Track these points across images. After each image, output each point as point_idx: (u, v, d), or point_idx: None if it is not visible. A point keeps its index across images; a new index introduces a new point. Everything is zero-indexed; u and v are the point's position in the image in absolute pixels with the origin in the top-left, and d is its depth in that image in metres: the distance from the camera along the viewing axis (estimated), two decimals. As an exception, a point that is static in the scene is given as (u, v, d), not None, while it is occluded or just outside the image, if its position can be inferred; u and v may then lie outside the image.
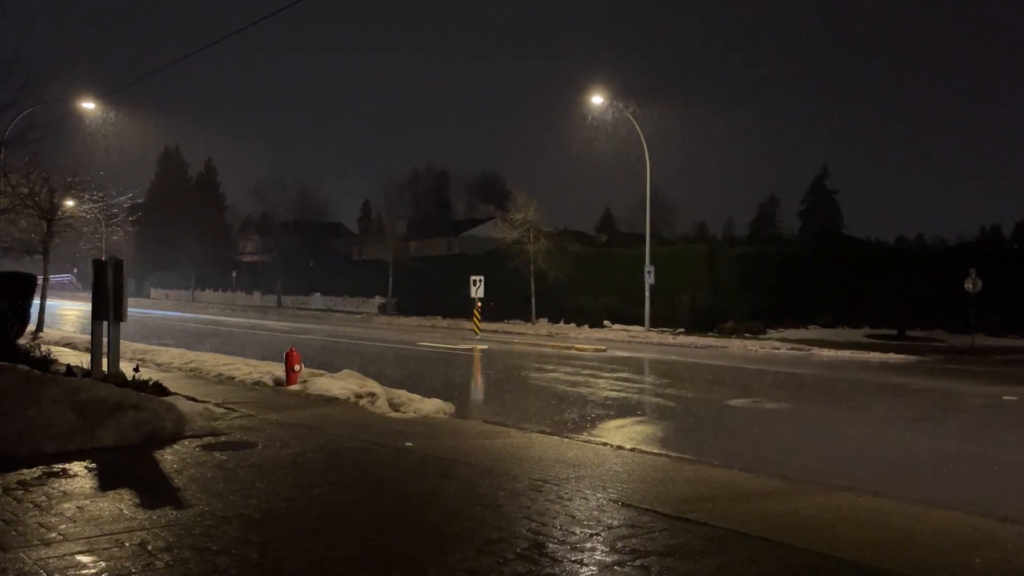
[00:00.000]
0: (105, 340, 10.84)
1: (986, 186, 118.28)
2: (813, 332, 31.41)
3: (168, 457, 7.68)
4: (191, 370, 15.55)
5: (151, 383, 10.75)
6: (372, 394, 11.63)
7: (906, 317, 31.08)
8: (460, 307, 37.86)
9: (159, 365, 16.17)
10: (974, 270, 26.79)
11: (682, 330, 32.63)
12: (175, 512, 5.75)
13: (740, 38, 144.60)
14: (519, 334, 33.74)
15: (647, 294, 32.48)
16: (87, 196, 26.01)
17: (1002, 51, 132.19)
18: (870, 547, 5.44)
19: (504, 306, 39.13)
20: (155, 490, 6.42)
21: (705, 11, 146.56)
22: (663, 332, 32.19)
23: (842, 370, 20.23)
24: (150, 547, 4.93)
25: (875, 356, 24.01)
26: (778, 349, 26.58)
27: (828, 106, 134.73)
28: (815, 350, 25.79)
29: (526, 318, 38.25)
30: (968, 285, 26.72)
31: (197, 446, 8.22)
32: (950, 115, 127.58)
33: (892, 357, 23.73)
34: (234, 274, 66.23)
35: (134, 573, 4.49)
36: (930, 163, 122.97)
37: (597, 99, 33.60)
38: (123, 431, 8.20)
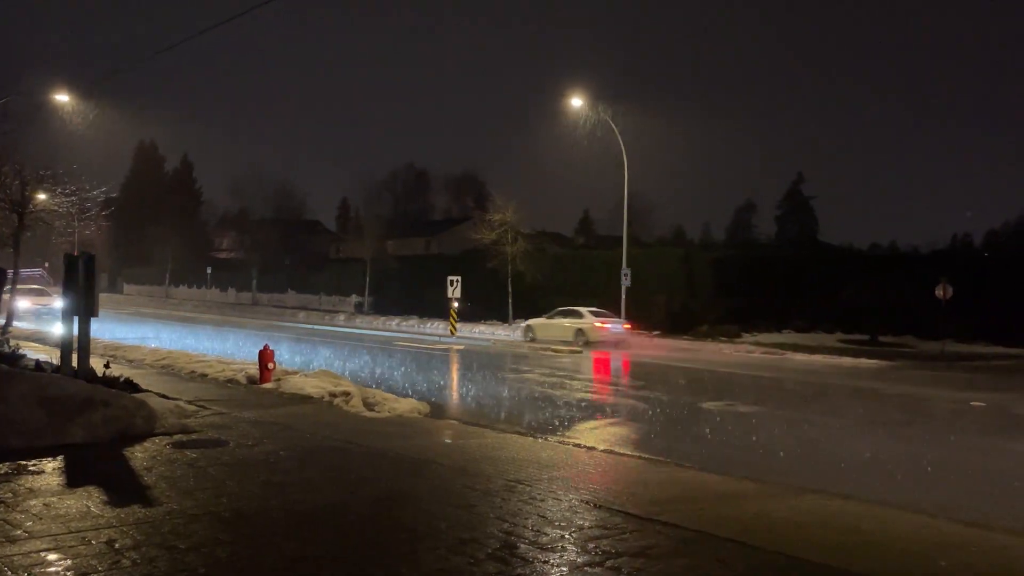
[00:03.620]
0: (76, 336, 10.69)
1: (960, 195, 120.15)
2: (787, 336, 31.72)
3: (138, 455, 7.61)
4: (163, 367, 15.41)
5: (122, 380, 10.63)
6: (347, 393, 11.59)
7: (878, 323, 31.48)
8: (437, 306, 37.80)
9: (131, 362, 16.00)
10: (944, 277, 27.17)
11: (657, 332, 32.79)
12: (144, 510, 5.69)
13: (719, 44, 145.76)
14: (496, 335, 33.75)
15: (623, 296, 32.62)
16: (60, 190, 25.63)
17: (978, 62, 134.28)
18: (838, 549, 5.51)
19: (481, 307, 39.12)
20: (124, 488, 6.36)
21: (684, 17, 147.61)
22: (639, 334, 32.34)
23: (815, 374, 20.44)
24: (117, 545, 4.88)
25: (847, 361, 24.28)
26: (752, 352, 26.81)
27: (805, 113, 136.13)
28: (788, 354, 26.03)
29: (503, 319, 38.26)
30: (939, 292, 27.10)
31: (168, 444, 8.14)
32: (925, 125, 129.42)
33: (864, 362, 24.01)
34: (209, 270, 65.63)
35: (100, 571, 4.44)
36: (904, 171, 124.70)
37: (577, 102, 33.69)
38: (93, 428, 8.11)
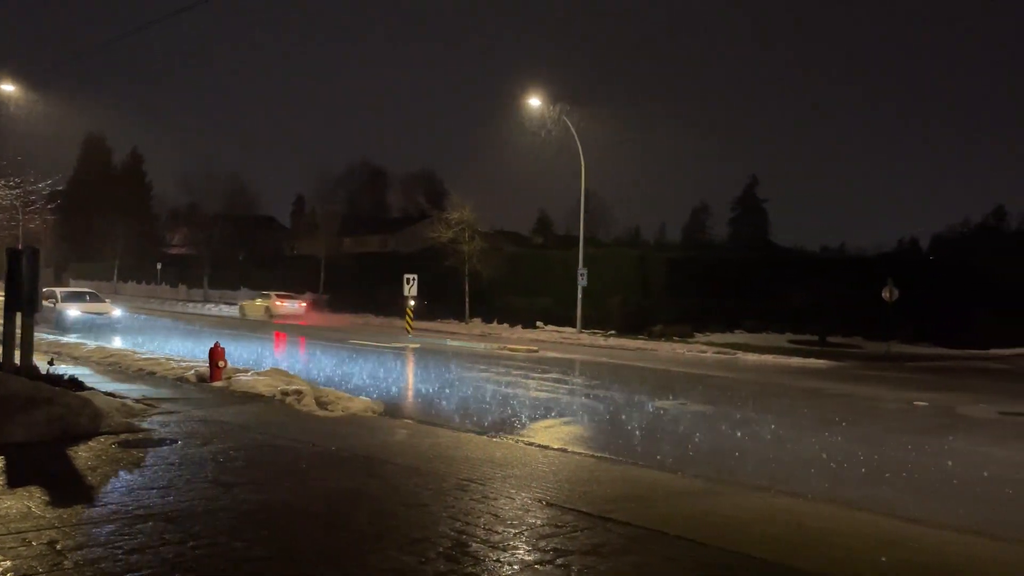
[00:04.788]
0: (18, 332, 10.41)
1: (906, 199, 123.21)
2: (739, 336, 32.22)
3: (82, 454, 7.44)
4: (110, 364, 15.07)
5: (67, 377, 10.37)
6: (299, 392, 11.46)
7: (827, 323, 32.15)
8: (393, 305, 37.57)
9: (76, 359, 15.62)
10: (891, 280, 27.84)
11: (613, 332, 33.05)
12: (87, 510, 5.57)
13: (676, 47, 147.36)
14: (452, 334, 33.69)
15: (579, 296, 32.81)
16: (3, 182, 24.92)
17: (926, 70, 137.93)
18: (784, 546, 5.62)
19: (438, 305, 39.02)
20: (67, 488, 6.22)
21: (641, 20, 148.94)
22: (595, 334, 32.56)
23: (765, 374, 20.79)
24: (59, 546, 4.77)
25: (796, 361, 24.74)
26: (705, 353, 27.16)
27: (759, 117, 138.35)
28: (740, 354, 26.43)
29: (460, 317, 38.21)
30: (885, 294, 27.76)
31: (114, 443, 7.97)
32: (873, 131, 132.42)
33: (812, 362, 24.50)
34: (159, 266, 64.38)
35: (41, 572, 4.34)
36: (853, 176, 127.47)
37: (534, 102, 33.81)
38: (35, 426, 7.91)
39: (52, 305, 25.46)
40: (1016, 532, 6.61)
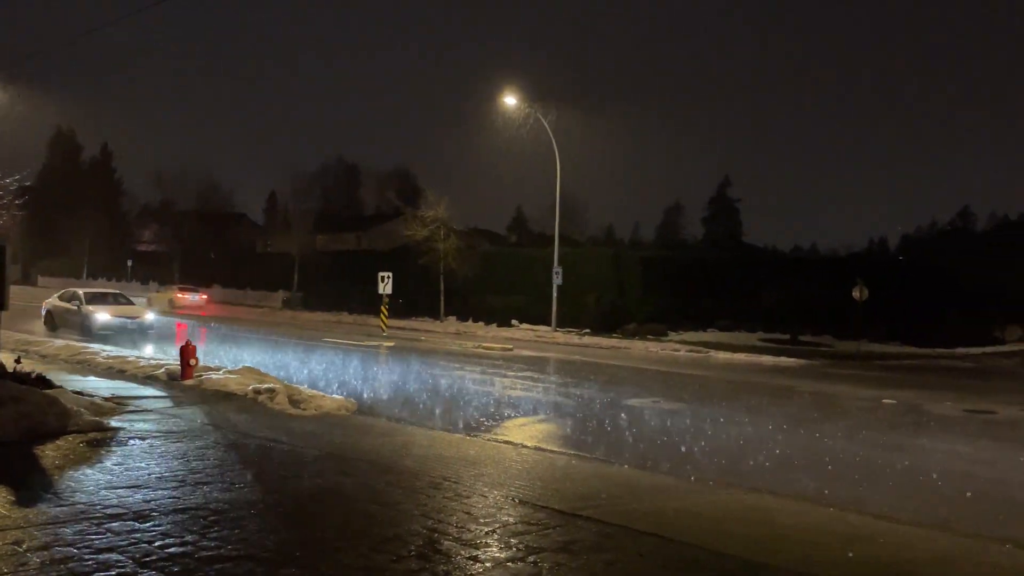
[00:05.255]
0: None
1: (876, 200, 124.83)
2: (711, 335, 32.48)
3: (49, 453, 7.34)
4: (79, 362, 14.87)
5: (34, 375, 10.24)
6: (271, 390, 11.38)
7: (798, 322, 32.51)
8: (368, 303, 37.43)
9: (44, 357, 15.39)
10: (861, 279, 28.20)
11: (587, 331, 33.18)
12: (54, 509, 5.50)
13: (651, 47, 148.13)
14: (427, 332, 33.63)
15: (554, 295, 32.89)
16: (-31, 177, 24.43)
17: (898, 72, 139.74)
18: (753, 542, 5.69)
19: (413, 303, 38.92)
20: (33, 487, 6.13)
21: (616, 20, 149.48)
22: (569, 332, 32.66)
23: (737, 372, 20.98)
24: (24, 546, 4.70)
25: (768, 359, 24.99)
26: (678, 351, 27.35)
27: (733, 117, 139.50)
28: (712, 352, 26.65)
29: (435, 316, 38.14)
30: (855, 293, 28.11)
31: (82, 441, 7.87)
32: (844, 132, 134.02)
33: (783, 361, 24.76)
34: (129, 263, 63.47)
35: (6, 573, 4.28)
36: (826, 176, 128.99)
37: (510, 100, 33.83)
38: (1, 425, 7.78)
39: (76, 308, 23.51)
40: (979, 527, 6.73)
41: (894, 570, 5.32)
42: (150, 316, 24.42)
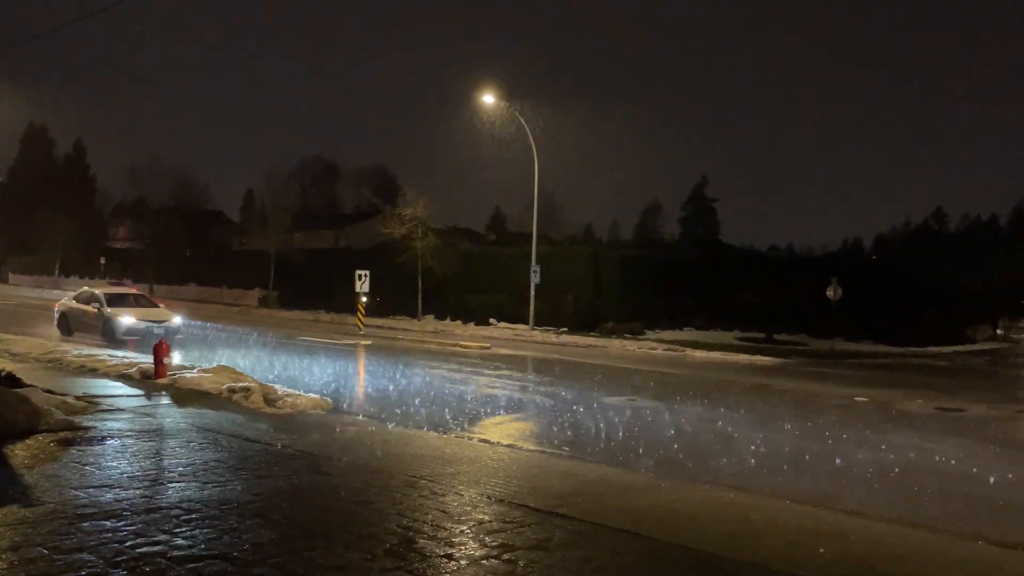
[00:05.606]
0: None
1: (851, 200, 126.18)
2: (688, 334, 32.65)
3: (19, 452, 7.24)
4: (50, 360, 14.67)
5: (4, 374, 10.09)
6: (246, 389, 11.30)
7: (774, 321, 32.76)
8: (345, 301, 37.21)
9: (14, 355, 15.17)
10: (835, 279, 28.49)
11: (565, 329, 33.24)
12: (24, 510, 5.43)
13: (628, 46, 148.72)
14: (404, 330, 33.51)
15: (532, 293, 32.92)
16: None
17: (876, 73, 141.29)
18: (728, 539, 5.74)
19: (390, 302, 38.76)
20: (2, 487, 6.04)
21: (594, 19, 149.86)
22: (547, 331, 32.70)
23: (713, 370, 21.12)
24: (-7, 547, 4.64)
25: (743, 358, 25.17)
26: (655, 350, 27.47)
27: (710, 117, 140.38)
28: (689, 351, 26.79)
29: (412, 314, 38.02)
30: (829, 292, 28.40)
31: (52, 441, 7.78)
32: (820, 134, 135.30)
33: (759, 359, 24.95)
34: (103, 260, 62.71)
35: (-27, 575, 4.22)
36: (801, 177, 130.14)
37: (488, 98, 33.76)
38: (-31, 425, 7.67)
39: (96, 310, 21.56)
40: (949, 523, 6.84)
41: (866, 565, 5.39)
42: (177, 319, 22.52)
